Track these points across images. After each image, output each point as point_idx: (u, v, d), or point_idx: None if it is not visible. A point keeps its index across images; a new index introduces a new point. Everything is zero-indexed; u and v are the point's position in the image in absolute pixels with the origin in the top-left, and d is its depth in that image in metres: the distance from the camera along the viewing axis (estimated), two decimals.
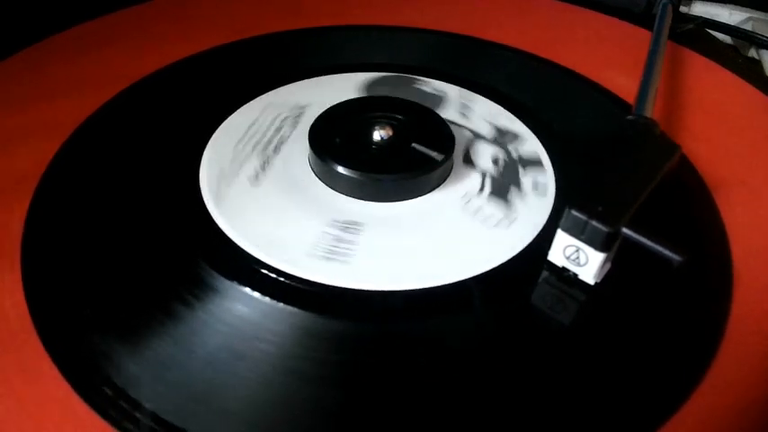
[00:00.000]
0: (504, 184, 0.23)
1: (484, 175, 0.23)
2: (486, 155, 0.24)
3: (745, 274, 0.20)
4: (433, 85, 0.28)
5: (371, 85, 0.28)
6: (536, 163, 0.24)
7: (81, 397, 0.16)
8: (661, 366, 0.17)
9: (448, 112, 0.26)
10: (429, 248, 0.20)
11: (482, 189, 0.22)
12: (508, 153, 0.24)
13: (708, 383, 0.17)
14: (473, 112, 0.26)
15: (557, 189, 0.23)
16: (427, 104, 0.25)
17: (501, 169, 0.23)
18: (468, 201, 0.22)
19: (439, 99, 0.27)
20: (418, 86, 0.28)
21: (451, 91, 0.27)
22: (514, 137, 0.25)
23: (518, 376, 0.17)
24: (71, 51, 0.30)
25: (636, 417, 0.16)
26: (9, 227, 0.20)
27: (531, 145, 0.25)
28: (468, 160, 0.24)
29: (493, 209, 0.21)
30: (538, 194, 0.22)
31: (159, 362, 0.17)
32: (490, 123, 0.26)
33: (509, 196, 0.22)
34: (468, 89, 0.28)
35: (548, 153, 0.24)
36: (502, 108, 0.26)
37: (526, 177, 0.23)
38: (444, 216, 0.21)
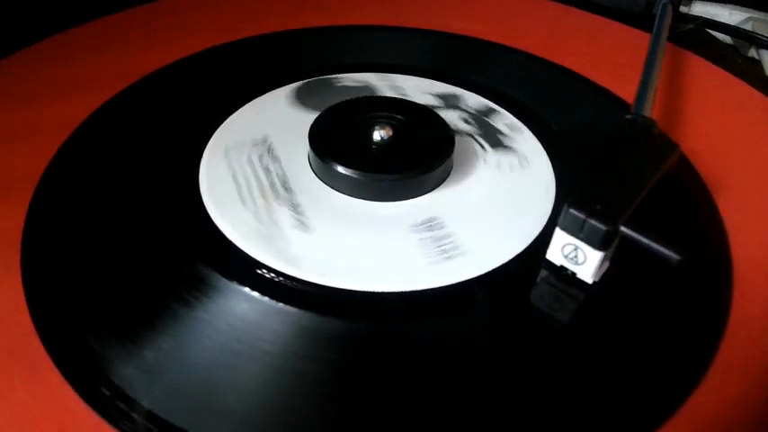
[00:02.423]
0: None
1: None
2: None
3: (745, 274, 0.20)
4: (354, 78, 0.28)
5: (299, 94, 0.27)
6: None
7: (80, 396, 0.16)
8: (661, 366, 0.17)
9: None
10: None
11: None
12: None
13: (708, 383, 0.17)
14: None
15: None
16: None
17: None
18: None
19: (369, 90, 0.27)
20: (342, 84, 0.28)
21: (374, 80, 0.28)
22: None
23: (517, 376, 0.17)
24: (72, 51, 0.30)
25: (636, 417, 0.16)
26: (9, 227, 0.20)
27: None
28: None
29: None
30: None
31: (159, 361, 0.17)
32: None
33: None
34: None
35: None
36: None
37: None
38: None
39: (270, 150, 0.24)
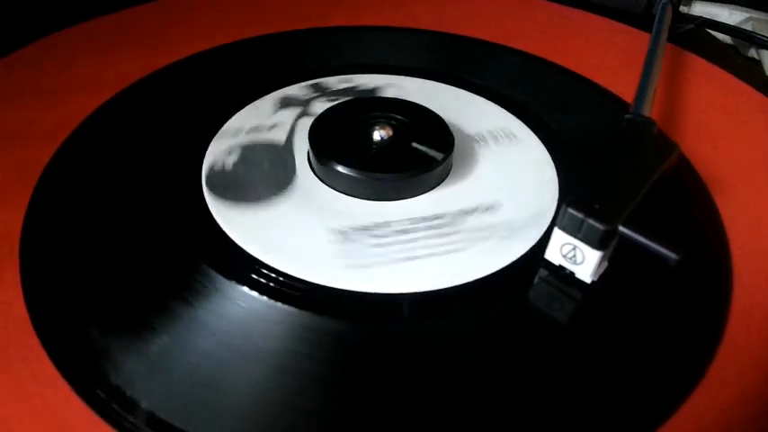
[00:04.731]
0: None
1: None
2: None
3: (745, 274, 0.20)
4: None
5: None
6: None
7: (79, 395, 0.16)
8: (660, 366, 0.17)
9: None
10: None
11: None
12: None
13: (708, 383, 0.17)
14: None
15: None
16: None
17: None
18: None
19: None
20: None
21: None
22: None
23: (515, 376, 0.17)
24: (71, 51, 0.30)
25: (635, 417, 0.16)
26: (8, 225, 0.20)
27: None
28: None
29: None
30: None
31: (158, 361, 0.17)
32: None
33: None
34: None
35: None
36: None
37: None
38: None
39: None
